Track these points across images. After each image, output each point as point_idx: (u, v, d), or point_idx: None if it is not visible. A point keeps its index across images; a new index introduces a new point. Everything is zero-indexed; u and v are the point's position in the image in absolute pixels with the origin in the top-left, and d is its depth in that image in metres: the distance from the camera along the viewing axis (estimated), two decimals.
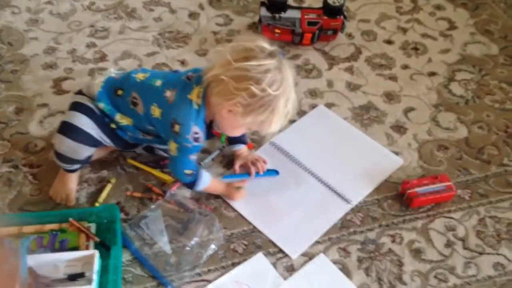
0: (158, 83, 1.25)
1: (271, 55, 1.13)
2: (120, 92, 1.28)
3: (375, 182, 1.44)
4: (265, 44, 1.14)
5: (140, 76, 1.28)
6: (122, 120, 1.31)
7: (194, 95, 1.20)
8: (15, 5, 1.90)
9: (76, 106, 1.29)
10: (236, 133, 1.31)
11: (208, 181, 1.35)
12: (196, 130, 1.22)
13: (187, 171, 1.30)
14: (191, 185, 1.34)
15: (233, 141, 1.46)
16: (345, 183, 1.43)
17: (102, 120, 1.30)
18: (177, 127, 1.21)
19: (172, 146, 1.26)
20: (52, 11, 1.88)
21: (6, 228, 1.24)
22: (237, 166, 1.45)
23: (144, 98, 1.26)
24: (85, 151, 1.30)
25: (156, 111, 1.24)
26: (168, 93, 1.22)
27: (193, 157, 1.29)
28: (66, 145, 1.27)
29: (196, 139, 1.23)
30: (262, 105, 1.13)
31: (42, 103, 1.59)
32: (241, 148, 1.46)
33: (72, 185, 1.37)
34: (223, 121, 1.23)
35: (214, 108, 1.20)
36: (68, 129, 1.27)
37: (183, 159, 1.28)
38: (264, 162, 1.46)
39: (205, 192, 1.38)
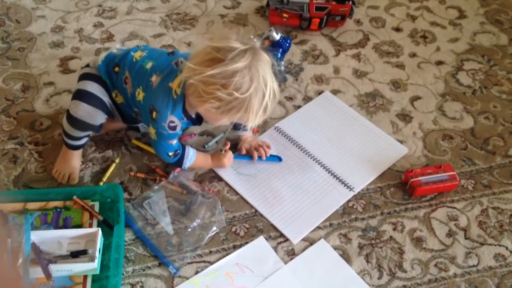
0: (149, 65, 1.25)
1: (240, 54, 1.08)
2: (117, 69, 1.29)
3: (379, 170, 1.43)
4: (235, 43, 1.09)
5: (137, 55, 1.29)
6: (117, 98, 1.33)
7: (176, 84, 1.20)
8: None
9: (86, 76, 1.31)
10: (220, 124, 1.30)
11: (193, 157, 1.37)
12: (173, 119, 1.22)
13: (170, 153, 1.32)
14: (178, 163, 1.36)
15: (238, 126, 1.46)
16: (349, 170, 1.43)
17: (110, 90, 1.32)
18: (154, 114, 1.22)
19: (152, 131, 1.28)
20: None
21: (10, 204, 1.25)
22: (242, 151, 1.45)
23: (133, 79, 1.26)
24: (99, 117, 1.30)
25: (140, 95, 1.25)
26: (154, 78, 1.22)
27: (172, 141, 1.29)
28: (82, 109, 1.27)
29: (172, 128, 1.24)
30: (233, 107, 1.11)
31: (49, 82, 1.60)
32: (246, 133, 1.46)
33: (75, 163, 1.38)
34: (203, 115, 1.24)
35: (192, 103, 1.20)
36: (83, 95, 1.28)
37: (163, 143, 1.29)
38: (268, 147, 1.46)
39: (194, 168, 1.39)
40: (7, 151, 1.42)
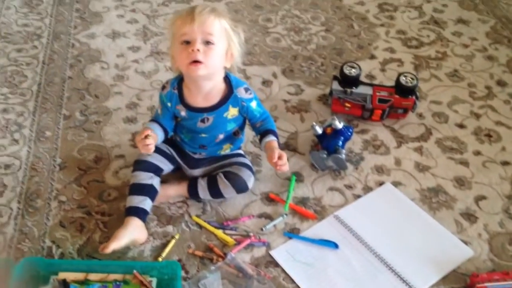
0: None
1: None
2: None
3: (442, 271, 1.38)
4: None
5: None
6: (182, 135, 1.52)
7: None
8: (105, 61, 2.05)
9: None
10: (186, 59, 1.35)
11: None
12: None
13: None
14: None
15: (263, 134, 1.50)
16: (410, 268, 1.39)
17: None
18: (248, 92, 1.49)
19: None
20: (137, 69, 2.02)
21: (73, 274, 1.28)
22: (274, 159, 1.42)
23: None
24: (162, 162, 1.50)
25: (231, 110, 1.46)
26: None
27: None
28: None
29: None
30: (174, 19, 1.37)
31: (120, 154, 1.68)
32: (272, 141, 1.47)
33: (122, 235, 1.34)
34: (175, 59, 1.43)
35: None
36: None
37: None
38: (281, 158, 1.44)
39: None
40: (75, 219, 1.48)
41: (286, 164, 1.44)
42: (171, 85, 1.45)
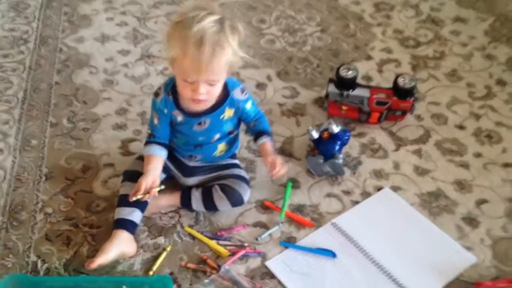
0: None
1: None
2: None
3: (444, 279, 1.33)
4: None
5: None
6: (176, 140, 1.47)
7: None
8: (94, 65, 1.99)
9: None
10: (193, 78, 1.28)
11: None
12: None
13: None
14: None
15: (258, 135, 1.48)
16: (411, 276, 1.34)
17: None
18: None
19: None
20: (127, 74, 1.96)
21: None
22: (268, 166, 1.43)
23: None
24: None
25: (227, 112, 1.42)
26: None
27: None
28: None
29: None
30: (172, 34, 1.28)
31: (109, 163, 1.62)
32: (266, 142, 1.46)
33: (108, 249, 1.31)
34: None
35: None
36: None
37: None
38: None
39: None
40: (62, 232, 1.43)
41: (281, 170, 1.41)
42: (165, 90, 1.39)
